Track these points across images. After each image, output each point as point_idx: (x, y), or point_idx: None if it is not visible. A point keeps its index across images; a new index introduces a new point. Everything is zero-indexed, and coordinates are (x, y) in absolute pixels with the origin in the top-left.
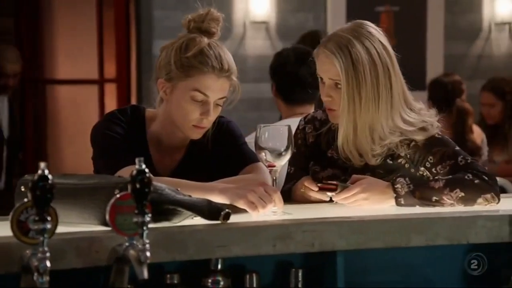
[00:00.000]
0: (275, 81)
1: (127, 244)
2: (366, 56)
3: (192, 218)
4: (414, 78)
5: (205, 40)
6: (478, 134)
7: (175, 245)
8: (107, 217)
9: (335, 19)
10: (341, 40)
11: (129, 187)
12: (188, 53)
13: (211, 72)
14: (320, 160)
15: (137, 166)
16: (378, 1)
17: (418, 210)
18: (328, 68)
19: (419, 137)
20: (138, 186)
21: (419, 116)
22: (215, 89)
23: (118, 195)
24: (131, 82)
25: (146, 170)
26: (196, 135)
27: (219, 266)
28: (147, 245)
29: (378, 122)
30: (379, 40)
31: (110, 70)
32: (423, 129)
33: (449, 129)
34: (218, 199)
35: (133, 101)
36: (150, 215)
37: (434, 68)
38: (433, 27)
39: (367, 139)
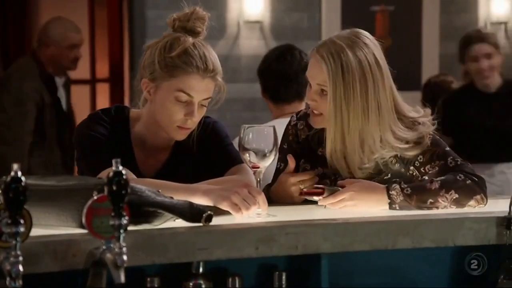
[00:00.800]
0: (262, 83)
1: (104, 247)
2: (356, 67)
3: (174, 220)
4: (410, 78)
5: (190, 39)
6: None
7: (155, 248)
8: (83, 219)
9: (330, 18)
10: (334, 46)
11: (106, 189)
12: (172, 52)
13: (196, 72)
14: (311, 159)
15: (114, 168)
16: (373, 0)
17: (404, 212)
18: (316, 73)
19: (413, 152)
20: (114, 188)
21: (413, 132)
22: (200, 89)
23: (95, 197)
24: (124, 82)
25: (123, 171)
26: (180, 136)
27: (201, 269)
28: (124, 249)
29: (368, 134)
30: (373, 53)
31: (102, 70)
32: (417, 143)
33: None
34: (201, 200)
35: (127, 101)
36: (127, 217)
37: (430, 68)
38: (428, 27)
39: (357, 150)
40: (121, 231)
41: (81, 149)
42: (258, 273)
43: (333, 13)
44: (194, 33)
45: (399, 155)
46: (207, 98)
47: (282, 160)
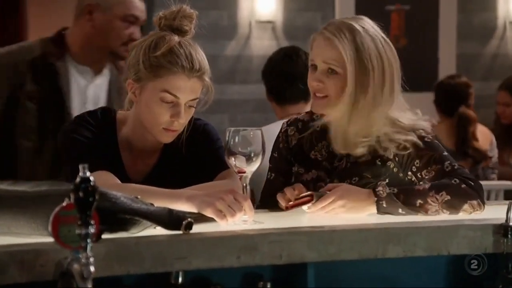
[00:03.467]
0: (266, 83)
1: (71, 257)
2: (371, 44)
3: (154, 227)
4: (426, 79)
5: (176, 38)
6: (486, 136)
7: (130, 258)
8: (50, 228)
9: None
10: (343, 25)
11: (72, 196)
12: (157, 52)
13: (181, 72)
14: (304, 162)
15: (81, 174)
16: None
17: (395, 219)
18: (324, 51)
19: (407, 139)
20: (81, 195)
21: (410, 120)
22: (186, 90)
23: (64, 204)
24: None
25: (91, 178)
26: (167, 138)
27: (180, 280)
28: (91, 259)
29: (377, 110)
30: (381, 35)
31: None
32: (412, 132)
33: (453, 135)
34: (185, 207)
35: None
36: (95, 226)
37: (447, 68)
38: (445, 26)
39: (360, 126)
40: (88, 240)
41: (65, 153)
42: (242, 283)
43: (347, 12)
44: (181, 31)
45: (397, 158)
46: (194, 99)
47: (273, 170)
